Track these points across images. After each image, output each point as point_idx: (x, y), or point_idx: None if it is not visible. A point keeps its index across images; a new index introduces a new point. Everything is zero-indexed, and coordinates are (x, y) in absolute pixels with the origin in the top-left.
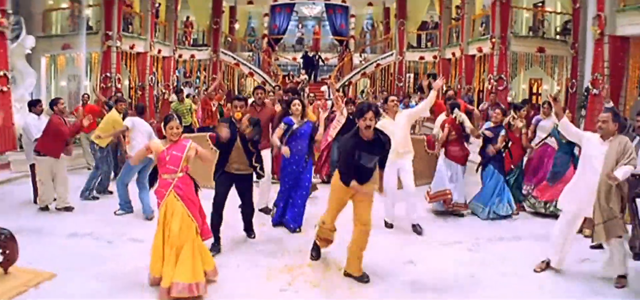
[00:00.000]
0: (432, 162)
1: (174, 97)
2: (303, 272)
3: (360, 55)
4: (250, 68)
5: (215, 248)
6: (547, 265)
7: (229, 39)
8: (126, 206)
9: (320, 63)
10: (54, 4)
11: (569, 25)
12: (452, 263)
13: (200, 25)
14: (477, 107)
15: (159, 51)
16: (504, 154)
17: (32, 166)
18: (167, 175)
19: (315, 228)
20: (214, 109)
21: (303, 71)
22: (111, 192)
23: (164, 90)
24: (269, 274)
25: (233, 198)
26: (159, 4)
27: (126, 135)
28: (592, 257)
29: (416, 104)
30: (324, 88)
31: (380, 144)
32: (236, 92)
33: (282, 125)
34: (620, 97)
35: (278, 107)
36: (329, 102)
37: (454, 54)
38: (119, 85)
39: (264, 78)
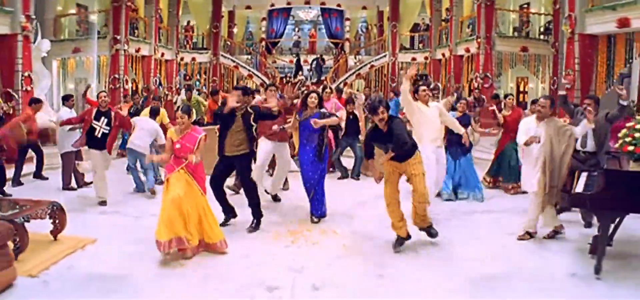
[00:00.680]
0: None
1: (183, 96)
2: (303, 235)
3: (355, 57)
4: (249, 70)
5: (227, 214)
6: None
7: (228, 43)
8: (141, 186)
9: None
10: (64, 10)
11: (550, 26)
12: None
13: (201, 30)
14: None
15: (162, 54)
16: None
17: (64, 155)
18: (177, 159)
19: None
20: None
21: (300, 72)
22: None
23: (166, 92)
24: (275, 236)
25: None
26: (162, 9)
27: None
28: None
29: None
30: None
31: (392, 134)
32: None
33: (297, 117)
34: (590, 91)
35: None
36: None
37: (443, 55)
38: (126, 87)
39: (262, 80)
